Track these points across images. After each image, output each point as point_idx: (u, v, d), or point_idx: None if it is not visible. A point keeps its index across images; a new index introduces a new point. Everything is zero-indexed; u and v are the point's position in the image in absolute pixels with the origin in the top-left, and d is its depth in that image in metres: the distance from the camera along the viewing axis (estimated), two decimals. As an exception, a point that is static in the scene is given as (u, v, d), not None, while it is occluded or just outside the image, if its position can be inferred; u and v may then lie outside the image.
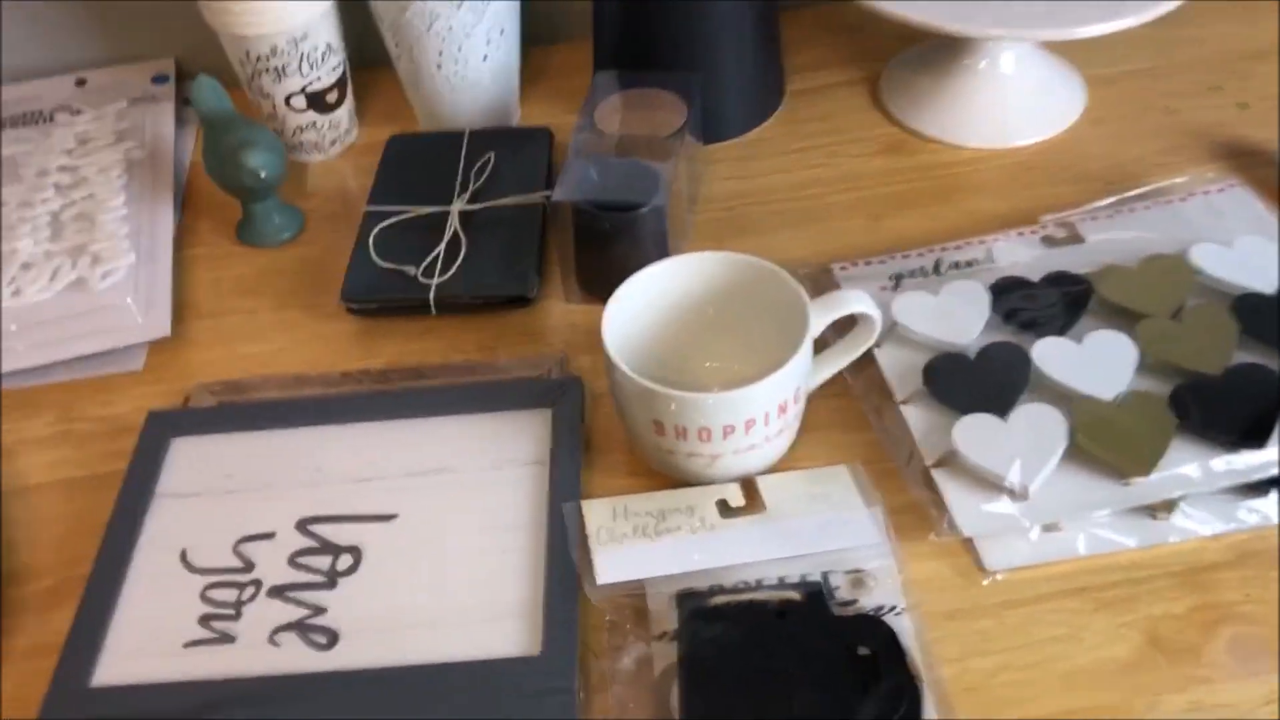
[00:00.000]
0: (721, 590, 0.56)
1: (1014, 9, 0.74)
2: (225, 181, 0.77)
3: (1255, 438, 0.58)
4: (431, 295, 0.72)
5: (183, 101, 0.90)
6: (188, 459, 0.63)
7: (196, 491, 0.62)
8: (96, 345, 0.71)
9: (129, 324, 0.72)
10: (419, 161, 0.82)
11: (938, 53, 0.84)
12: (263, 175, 0.75)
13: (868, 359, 0.65)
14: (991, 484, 0.58)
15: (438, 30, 0.80)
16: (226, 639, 0.55)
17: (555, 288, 0.75)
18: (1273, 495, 0.57)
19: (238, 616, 0.56)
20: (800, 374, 0.59)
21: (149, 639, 0.55)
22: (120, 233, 0.75)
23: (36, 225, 0.76)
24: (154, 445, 0.64)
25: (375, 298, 0.73)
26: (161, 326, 0.72)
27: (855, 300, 0.61)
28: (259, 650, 0.55)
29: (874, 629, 0.54)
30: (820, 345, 0.63)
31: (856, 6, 0.77)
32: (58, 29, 0.92)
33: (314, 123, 0.85)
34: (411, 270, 0.74)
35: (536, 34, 0.94)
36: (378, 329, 0.74)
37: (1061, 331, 0.64)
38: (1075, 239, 0.71)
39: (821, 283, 0.71)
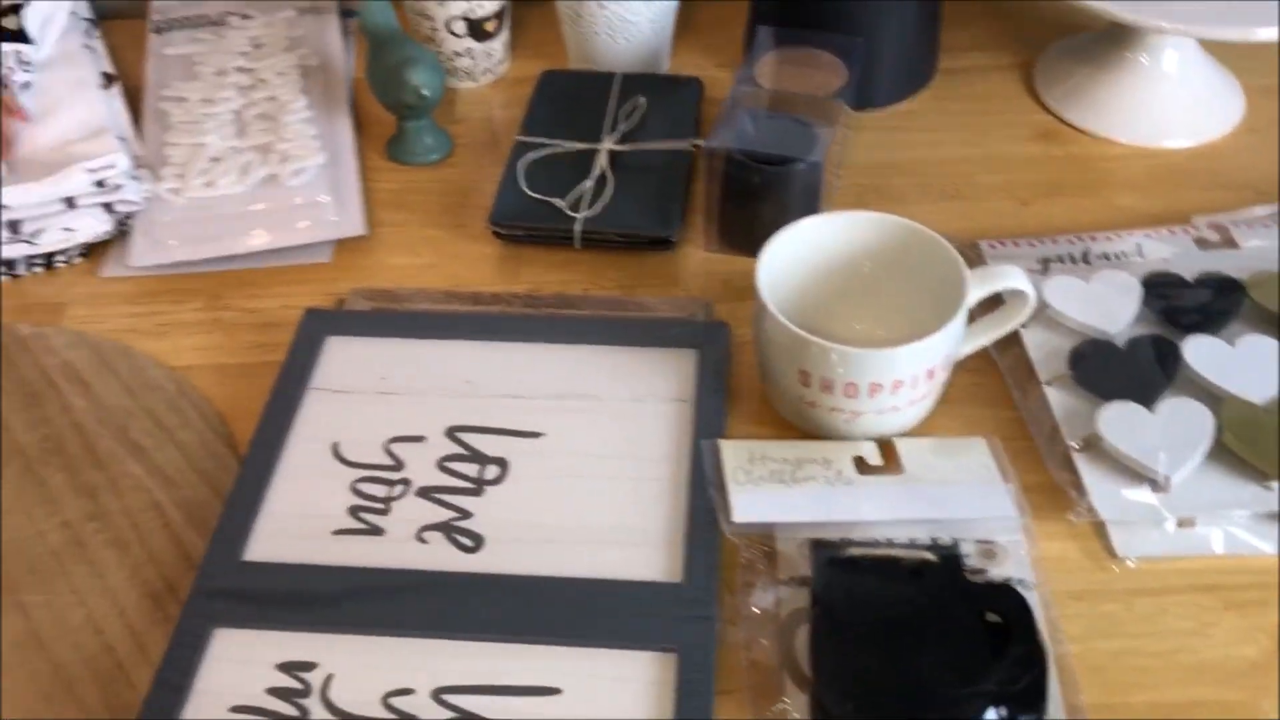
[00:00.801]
0: (852, 544, 0.57)
1: (1185, 4, 0.73)
2: (386, 97, 0.78)
3: (1407, 457, 0.57)
4: (578, 228, 0.74)
5: (341, 14, 0.91)
6: (342, 358, 0.65)
7: (350, 389, 0.63)
8: (293, 239, 0.74)
9: (325, 220, 0.74)
10: (570, 98, 0.83)
11: (1098, 44, 0.84)
12: (425, 93, 0.77)
13: (1012, 337, 0.65)
14: (1132, 472, 0.58)
15: (606, -31, 0.80)
16: (375, 531, 0.57)
17: (694, 235, 0.76)
18: None
19: (386, 511, 0.58)
20: (953, 341, 0.60)
21: (300, 522, 0.57)
22: (308, 133, 0.77)
23: (220, 122, 0.78)
24: (310, 340, 0.65)
25: (523, 224, 0.75)
26: (355, 224, 0.75)
27: (1014, 276, 0.61)
28: (406, 545, 0.56)
29: (1006, 598, 0.54)
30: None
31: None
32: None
33: (470, 49, 0.86)
34: (559, 202, 0.75)
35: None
36: (519, 255, 0.75)
37: (1212, 331, 0.64)
38: (1229, 243, 0.71)
39: (969, 258, 0.70)
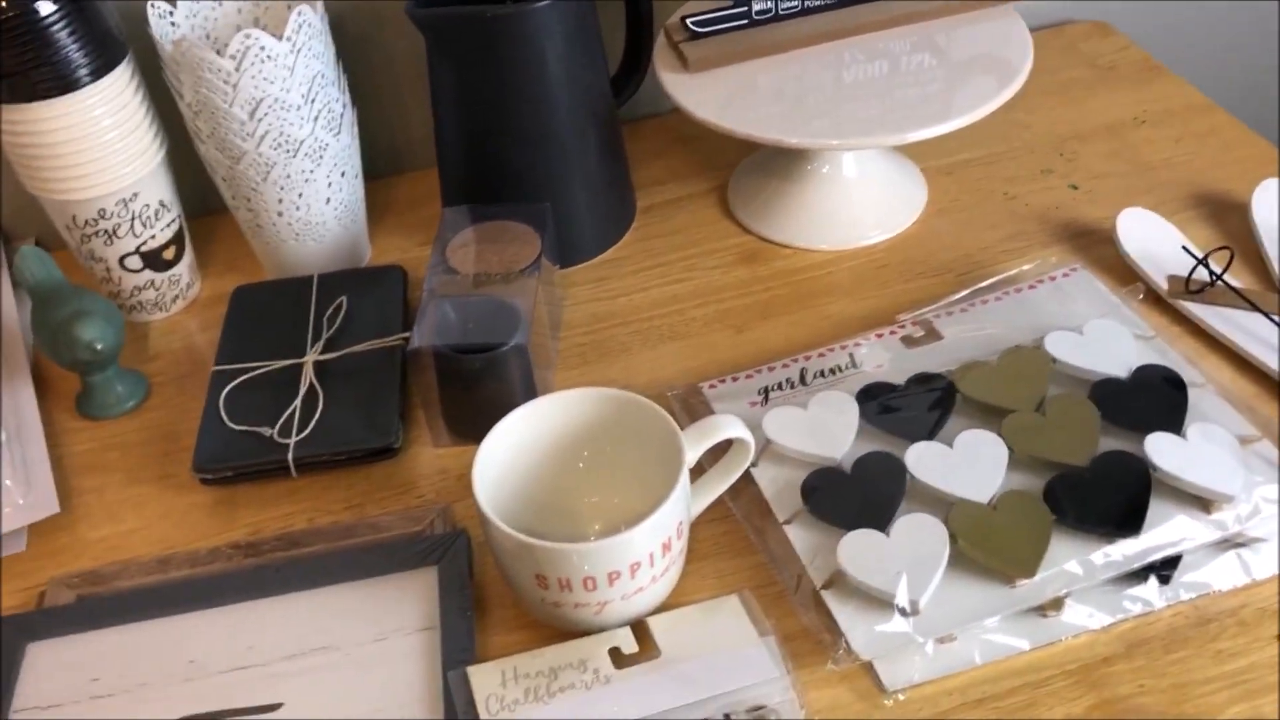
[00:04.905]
0: (624, 751, 0.55)
1: (847, 116, 0.76)
2: (59, 358, 0.72)
3: (1128, 527, 0.59)
4: (290, 456, 0.69)
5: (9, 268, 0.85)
6: (47, 666, 0.59)
7: (58, 703, 0.57)
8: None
9: (10, 505, 0.68)
10: (268, 312, 0.80)
11: (779, 159, 0.85)
12: (99, 348, 0.71)
13: (746, 479, 0.65)
14: (882, 603, 0.57)
15: (275, 179, 0.77)
16: None
17: (422, 432, 0.73)
18: (1152, 581, 0.58)
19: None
20: (680, 509, 0.58)
21: None
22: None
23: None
24: (8, 657, 0.59)
25: (229, 464, 0.70)
26: (48, 504, 0.68)
27: (728, 425, 0.61)
28: None
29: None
30: (696, 470, 0.63)
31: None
32: None
33: (152, 281, 0.82)
34: (267, 430, 0.71)
35: (380, 169, 0.93)
36: (236, 497, 0.70)
37: (931, 435, 0.65)
38: (934, 336, 0.72)
39: (692, 404, 0.71)
